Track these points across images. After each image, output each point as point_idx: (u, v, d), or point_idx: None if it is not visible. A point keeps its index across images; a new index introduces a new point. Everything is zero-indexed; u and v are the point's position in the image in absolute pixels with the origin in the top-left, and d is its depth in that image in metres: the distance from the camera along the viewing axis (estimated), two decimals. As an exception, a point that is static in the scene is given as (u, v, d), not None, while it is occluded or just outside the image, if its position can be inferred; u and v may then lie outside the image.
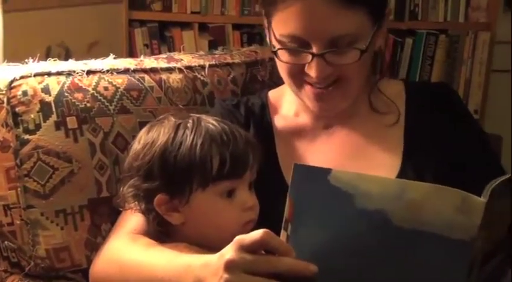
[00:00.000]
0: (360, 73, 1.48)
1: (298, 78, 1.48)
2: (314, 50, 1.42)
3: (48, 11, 2.52)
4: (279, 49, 1.45)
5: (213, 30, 2.75)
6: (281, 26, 1.44)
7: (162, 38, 2.76)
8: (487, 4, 2.80)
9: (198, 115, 1.42)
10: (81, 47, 2.55)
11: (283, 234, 1.19)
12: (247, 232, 1.27)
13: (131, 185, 1.39)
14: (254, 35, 2.78)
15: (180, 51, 1.93)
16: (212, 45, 2.66)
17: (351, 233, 1.16)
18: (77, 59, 1.68)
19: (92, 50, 2.56)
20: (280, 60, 1.46)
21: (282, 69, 1.50)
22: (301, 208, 1.17)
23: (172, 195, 1.36)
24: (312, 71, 1.43)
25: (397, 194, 1.12)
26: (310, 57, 1.42)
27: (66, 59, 1.67)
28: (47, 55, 1.62)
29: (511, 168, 1.62)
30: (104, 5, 2.64)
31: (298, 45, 1.43)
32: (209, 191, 1.35)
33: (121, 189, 1.41)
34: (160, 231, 1.41)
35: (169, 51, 2.68)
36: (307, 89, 1.48)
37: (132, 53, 2.67)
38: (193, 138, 1.35)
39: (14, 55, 1.61)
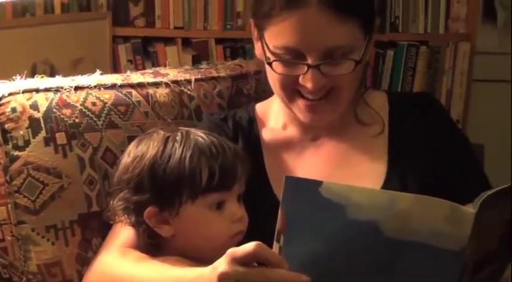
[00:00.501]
0: (353, 84, 1.50)
1: (291, 90, 1.49)
2: (309, 61, 1.43)
3: (33, 29, 2.52)
4: (274, 61, 1.47)
5: (196, 45, 2.76)
6: (276, 38, 1.45)
7: (145, 53, 2.76)
8: (466, 15, 2.82)
9: (186, 128, 1.44)
10: (65, 63, 2.55)
11: (275, 246, 1.21)
12: (236, 244, 1.29)
13: (121, 198, 1.40)
14: (237, 49, 2.79)
15: (164, 66, 1.95)
16: (196, 60, 2.67)
17: (343, 243, 1.17)
18: (62, 76, 1.69)
19: (77, 67, 2.57)
20: (275, 72, 1.47)
21: (275, 81, 1.51)
22: (294, 220, 1.19)
23: (162, 208, 1.37)
24: (307, 82, 1.44)
25: (388, 205, 1.14)
26: (305, 68, 1.44)
27: (51, 76, 1.68)
28: (32, 72, 1.63)
29: (493, 176, 1.65)
30: (87, 22, 2.64)
31: (292, 56, 1.45)
32: (198, 203, 1.36)
33: (111, 202, 1.42)
34: (151, 244, 1.42)
35: (153, 66, 2.68)
36: (299, 101, 1.49)
37: (116, 69, 2.67)
38: (182, 151, 1.36)
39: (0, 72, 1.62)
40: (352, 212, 1.15)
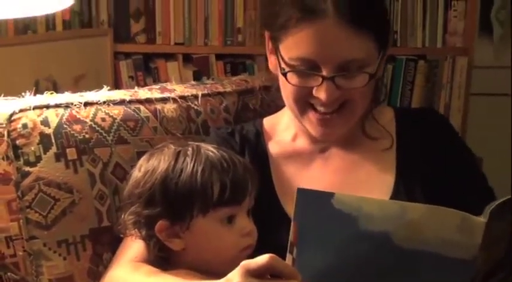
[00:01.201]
0: (365, 98, 1.51)
1: (303, 102, 1.50)
2: (324, 72, 1.44)
3: (35, 46, 2.54)
4: (288, 71, 1.47)
5: (197, 60, 2.78)
6: (291, 49, 1.46)
7: (146, 69, 2.78)
8: (463, 30, 2.84)
9: (197, 143, 1.45)
10: (68, 80, 2.57)
11: (288, 258, 1.22)
12: (246, 257, 1.29)
13: (132, 212, 1.41)
14: (237, 64, 2.81)
15: (166, 82, 1.96)
16: (196, 76, 2.69)
17: (355, 254, 1.19)
18: (65, 92, 1.69)
19: (79, 83, 2.58)
20: (289, 83, 1.48)
21: (288, 93, 1.51)
22: (306, 231, 1.20)
23: (173, 221, 1.38)
24: (321, 94, 1.45)
25: (399, 215, 1.16)
26: (320, 80, 1.45)
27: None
28: (35, 89, 1.64)
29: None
30: (89, 39, 2.66)
31: (307, 68, 1.46)
32: (209, 217, 1.37)
33: (122, 216, 1.43)
34: (161, 258, 1.43)
35: (155, 82, 2.71)
36: (311, 114, 1.50)
37: (117, 85, 2.68)
38: (194, 165, 1.37)
39: (3, 89, 1.63)
40: (364, 223, 1.16)
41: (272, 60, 1.55)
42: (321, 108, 1.49)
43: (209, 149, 1.42)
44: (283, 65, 1.49)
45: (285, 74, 1.48)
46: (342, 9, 1.42)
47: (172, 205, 1.37)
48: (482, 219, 1.13)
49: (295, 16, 1.44)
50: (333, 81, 1.44)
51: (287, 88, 1.50)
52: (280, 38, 1.48)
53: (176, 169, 1.38)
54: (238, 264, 1.34)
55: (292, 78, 1.48)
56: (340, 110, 1.49)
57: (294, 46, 1.46)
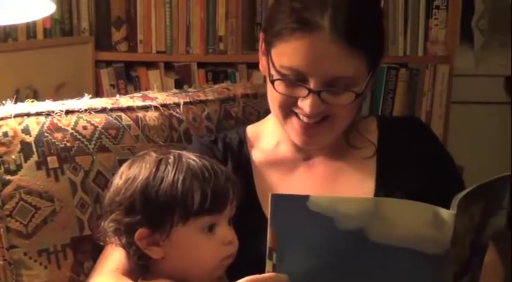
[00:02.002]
0: (349, 114, 1.52)
1: (287, 109, 1.50)
2: (311, 85, 1.45)
3: (16, 54, 2.53)
4: (276, 79, 1.48)
5: (179, 69, 2.77)
6: (283, 57, 1.46)
7: (128, 77, 2.77)
8: (444, 38, 2.85)
9: (178, 151, 1.45)
10: (49, 88, 2.55)
11: (268, 264, 1.24)
12: (226, 266, 1.33)
13: (112, 220, 1.40)
14: (219, 72, 2.80)
15: (148, 90, 1.96)
16: (178, 84, 2.68)
17: (335, 254, 1.21)
18: (45, 100, 1.69)
19: (60, 91, 2.57)
20: (276, 91, 1.48)
21: (274, 99, 1.52)
22: (284, 236, 1.22)
23: (153, 230, 1.38)
24: (305, 106, 1.46)
25: (372, 211, 1.18)
26: (306, 92, 1.45)
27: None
28: (16, 97, 1.63)
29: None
30: (70, 47, 2.65)
31: (295, 78, 1.46)
32: (190, 226, 1.37)
33: (102, 223, 1.43)
34: (142, 266, 1.43)
35: (136, 90, 2.70)
36: (294, 121, 1.51)
37: (99, 93, 2.67)
38: (175, 174, 1.37)
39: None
40: (341, 222, 1.18)
41: (262, 61, 1.56)
42: (303, 118, 1.49)
43: (191, 158, 1.41)
44: (272, 72, 1.49)
45: (272, 82, 1.49)
46: (338, 26, 1.42)
47: (153, 213, 1.37)
48: (451, 211, 1.16)
49: (291, 26, 1.44)
50: (318, 95, 1.45)
51: (273, 94, 1.51)
52: (274, 43, 1.48)
53: (157, 177, 1.38)
54: (218, 274, 1.35)
55: (279, 86, 1.48)
56: (323, 122, 1.50)
57: (285, 55, 1.46)
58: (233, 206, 1.41)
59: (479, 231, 1.25)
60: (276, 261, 1.23)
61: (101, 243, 1.48)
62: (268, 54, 1.50)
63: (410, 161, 1.58)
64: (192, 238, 1.38)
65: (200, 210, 1.36)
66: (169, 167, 1.38)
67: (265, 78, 1.56)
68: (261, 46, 1.55)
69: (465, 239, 1.22)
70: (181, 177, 1.37)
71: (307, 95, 1.45)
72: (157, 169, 1.39)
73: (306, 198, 1.19)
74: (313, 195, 1.19)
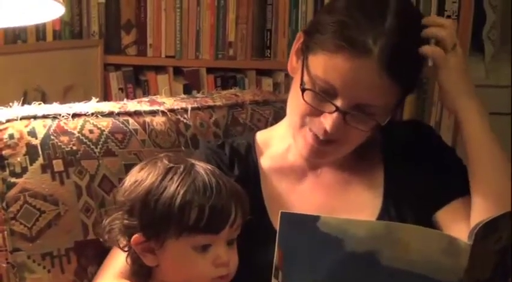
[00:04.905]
0: (361, 139, 1.50)
1: (307, 119, 1.48)
2: (339, 104, 1.42)
3: (25, 56, 2.52)
4: (308, 89, 1.45)
5: (188, 74, 2.76)
6: (321, 68, 1.43)
7: (137, 81, 2.77)
8: (455, 48, 2.84)
9: (193, 161, 1.42)
10: (57, 91, 2.55)
11: None
12: None
13: (116, 217, 1.40)
14: (228, 78, 2.80)
15: (156, 95, 1.95)
16: (187, 89, 2.68)
17: (343, 276, 1.18)
18: (52, 103, 1.68)
19: (67, 94, 2.57)
20: (304, 100, 1.46)
21: (297, 106, 1.49)
22: (291, 255, 1.20)
23: (148, 237, 1.37)
24: (327, 122, 1.44)
25: (385, 234, 1.16)
26: (333, 109, 1.43)
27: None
28: (23, 99, 1.63)
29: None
30: (79, 50, 2.65)
31: (325, 92, 1.43)
32: (182, 241, 1.35)
33: (105, 219, 1.42)
34: (145, 271, 1.42)
35: (144, 95, 2.69)
36: (308, 134, 1.49)
37: (107, 97, 2.67)
38: (177, 186, 1.34)
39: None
40: (350, 245, 1.16)
41: (293, 61, 1.53)
42: (318, 133, 1.47)
43: (200, 171, 1.38)
44: (305, 78, 1.46)
45: (303, 90, 1.46)
46: (387, 56, 1.39)
47: (149, 221, 1.36)
48: (468, 242, 1.14)
49: (339, 43, 1.40)
50: (343, 116, 1.43)
51: (299, 101, 1.47)
52: (315, 50, 1.45)
53: (161, 186, 1.35)
54: None
55: (308, 96, 1.45)
56: (332, 143, 1.48)
57: (325, 67, 1.43)
58: (235, 227, 1.38)
59: (505, 254, 1.22)
60: (282, 280, 1.21)
61: (101, 239, 1.46)
62: (304, 58, 1.47)
63: (417, 166, 1.57)
64: (184, 254, 1.36)
65: (194, 228, 1.33)
66: (175, 178, 1.36)
67: (291, 80, 1.53)
68: (296, 45, 1.52)
69: (487, 261, 1.20)
70: (182, 191, 1.34)
71: (332, 112, 1.43)
72: (163, 178, 1.36)
73: (316, 218, 1.17)
74: (324, 216, 1.17)
